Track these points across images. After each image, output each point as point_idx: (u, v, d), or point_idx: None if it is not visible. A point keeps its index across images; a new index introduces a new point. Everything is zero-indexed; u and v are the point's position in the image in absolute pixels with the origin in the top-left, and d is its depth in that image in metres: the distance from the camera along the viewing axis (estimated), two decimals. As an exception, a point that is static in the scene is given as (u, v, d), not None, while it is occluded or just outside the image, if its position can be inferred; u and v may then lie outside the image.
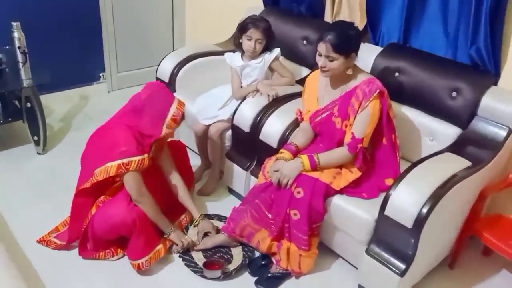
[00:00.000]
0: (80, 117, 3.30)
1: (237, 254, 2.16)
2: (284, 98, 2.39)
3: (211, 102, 2.58)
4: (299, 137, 2.15)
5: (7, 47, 2.58)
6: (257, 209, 2.04)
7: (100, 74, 3.65)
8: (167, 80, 2.80)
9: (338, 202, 1.97)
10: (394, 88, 2.14)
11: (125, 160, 1.90)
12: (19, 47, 2.50)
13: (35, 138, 2.76)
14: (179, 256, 2.13)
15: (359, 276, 1.99)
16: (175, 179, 2.21)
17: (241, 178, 2.46)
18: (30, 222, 2.26)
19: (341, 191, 1.98)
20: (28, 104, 2.64)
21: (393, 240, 1.82)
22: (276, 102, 2.35)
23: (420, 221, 1.70)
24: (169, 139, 2.20)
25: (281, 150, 2.09)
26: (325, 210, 1.97)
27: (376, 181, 2.03)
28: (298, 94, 2.38)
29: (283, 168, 1.99)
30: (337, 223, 2.01)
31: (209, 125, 2.51)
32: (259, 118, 2.30)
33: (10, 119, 2.67)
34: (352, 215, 1.92)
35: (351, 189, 1.99)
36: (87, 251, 2.08)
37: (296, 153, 2.08)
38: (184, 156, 2.43)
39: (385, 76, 2.21)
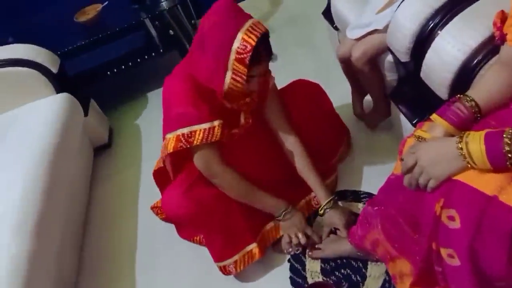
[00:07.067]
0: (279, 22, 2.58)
1: (376, 276, 1.29)
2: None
3: (366, 4, 1.52)
4: (489, 82, 0.94)
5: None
6: (392, 220, 1.07)
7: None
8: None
9: None
10: None
11: (185, 130, 1.26)
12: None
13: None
14: (288, 261, 1.43)
15: None
16: (290, 142, 1.44)
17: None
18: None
19: None
20: (171, 32, 2.22)
21: None
22: (454, 3, 1.12)
23: None
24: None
25: (433, 116, 0.97)
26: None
27: None
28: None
29: (421, 152, 0.92)
30: None
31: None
32: (424, 34, 1.16)
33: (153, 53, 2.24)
34: None
35: None
36: (184, 231, 1.62)
37: (464, 123, 0.93)
38: (323, 103, 1.58)
39: None
